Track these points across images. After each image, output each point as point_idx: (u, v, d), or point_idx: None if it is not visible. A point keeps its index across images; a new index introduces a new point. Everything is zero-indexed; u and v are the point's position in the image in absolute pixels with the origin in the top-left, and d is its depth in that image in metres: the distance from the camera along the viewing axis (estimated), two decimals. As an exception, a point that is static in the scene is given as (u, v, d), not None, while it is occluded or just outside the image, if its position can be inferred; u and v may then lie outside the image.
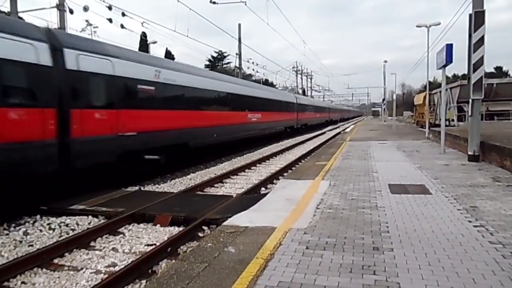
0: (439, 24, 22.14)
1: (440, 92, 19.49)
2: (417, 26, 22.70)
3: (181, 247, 5.68)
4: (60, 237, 6.30)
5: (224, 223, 5.23)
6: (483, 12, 9.85)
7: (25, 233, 6.40)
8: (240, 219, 5.33)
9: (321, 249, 4.08)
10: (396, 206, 5.82)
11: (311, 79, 73.27)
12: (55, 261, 5.29)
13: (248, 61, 37.50)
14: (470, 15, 9.99)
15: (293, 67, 62.84)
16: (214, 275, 3.52)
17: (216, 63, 64.09)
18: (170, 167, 12.94)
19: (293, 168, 12.33)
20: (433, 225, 4.80)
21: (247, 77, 44.64)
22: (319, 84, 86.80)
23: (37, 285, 4.60)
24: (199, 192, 9.54)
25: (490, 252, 3.87)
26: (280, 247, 4.19)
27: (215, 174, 12.30)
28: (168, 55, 49.51)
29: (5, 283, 4.61)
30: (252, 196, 8.39)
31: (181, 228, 6.46)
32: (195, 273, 3.59)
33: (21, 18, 12.52)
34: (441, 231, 4.56)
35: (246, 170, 13.28)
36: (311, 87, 74.23)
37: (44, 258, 5.19)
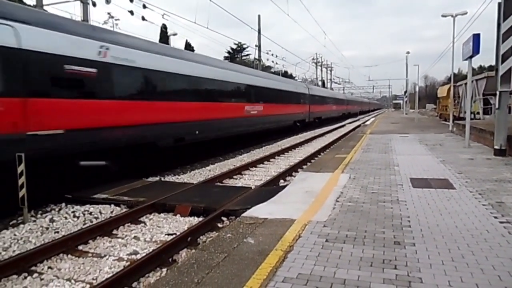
0: (466, 13, 21.37)
1: (466, 84, 18.92)
2: (443, 16, 21.99)
3: (201, 237, 5.75)
4: (84, 224, 6.49)
5: (243, 215, 5.26)
6: (514, 0, 9.45)
7: (51, 220, 6.62)
8: (259, 211, 5.34)
9: (341, 242, 4.06)
10: (418, 200, 5.71)
11: (331, 71, 72.37)
12: (80, 247, 5.46)
13: (267, 53, 37.34)
14: (499, 4, 9.61)
15: (313, 59, 62.18)
16: (234, 266, 3.55)
17: (235, 55, 64.03)
18: (190, 159, 13.09)
19: (312, 161, 12.25)
20: (457, 221, 4.68)
21: (266, 68, 44.40)
22: (339, 76, 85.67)
23: (63, 270, 4.76)
24: (218, 183, 9.61)
25: (517, 249, 3.75)
26: (300, 239, 4.18)
27: (234, 165, 12.36)
28: (188, 46, 49.76)
29: (33, 268, 4.79)
30: (271, 188, 8.39)
31: (200, 219, 6.54)
32: (215, 263, 3.63)
33: (45, 11, 12.77)
34: (465, 227, 4.45)
35: (265, 162, 13.29)
36: (331, 79, 73.36)
37: (69, 245, 5.36)
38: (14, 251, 5.33)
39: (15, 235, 5.91)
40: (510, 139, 10.03)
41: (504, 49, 9.54)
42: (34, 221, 6.60)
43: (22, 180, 6.47)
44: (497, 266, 3.39)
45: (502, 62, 9.59)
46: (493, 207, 5.26)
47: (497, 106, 10.36)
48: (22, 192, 6.48)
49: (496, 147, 10.13)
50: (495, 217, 4.78)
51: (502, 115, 10.04)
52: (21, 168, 6.46)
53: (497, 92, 10.11)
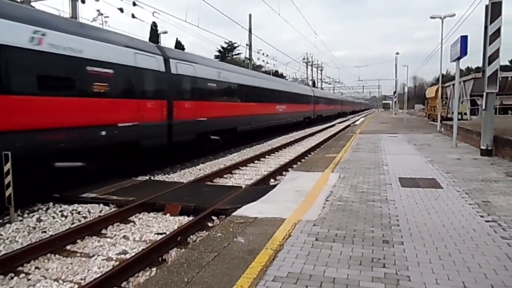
0: (454, 15, 21.75)
1: (453, 85, 19.18)
2: (431, 18, 22.32)
3: (191, 236, 5.73)
4: (72, 224, 6.41)
5: (234, 214, 5.26)
6: (500, 3, 9.61)
7: (39, 220, 6.52)
8: (249, 210, 5.35)
9: (331, 241, 4.08)
10: (406, 199, 5.78)
11: (321, 70, 72.70)
12: (68, 247, 5.39)
13: (258, 52, 37.25)
14: (487, 6, 9.77)
15: (304, 59, 62.41)
16: (224, 265, 3.55)
17: (226, 53, 63.90)
18: (180, 158, 13.00)
19: (303, 160, 12.30)
20: (444, 220, 4.76)
21: (257, 68, 44.35)
22: (330, 76, 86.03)
23: (50, 270, 4.70)
24: (209, 183, 9.58)
25: (502, 248, 3.82)
26: (290, 238, 4.20)
27: (224, 165, 12.34)
28: (178, 45, 49.49)
29: (20, 268, 4.72)
30: (262, 187, 8.40)
31: (190, 218, 6.52)
32: (205, 262, 3.62)
33: (33, 7, 12.57)
34: (452, 226, 4.52)
35: (255, 161, 13.30)
36: (321, 79, 73.71)
37: (57, 245, 5.29)
38: (0, 251, 5.24)
39: (1, 235, 5.82)
40: (496, 140, 10.21)
41: (491, 51, 9.70)
42: (21, 220, 6.50)
43: (8, 178, 6.37)
44: (483, 264, 3.46)
45: (489, 64, 9.75)
46: (480, 206, 5.35)
47: (484, 107, 10.53)
48: (9, 191, 6.37)
49: (482, 147, 10.31)
50: (481, 216, 4.87)
51: (488, 115, 10.21)
52: (7, 166, 6.36)
53: (484, 93, 10.28)
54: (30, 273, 4.63)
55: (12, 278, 4.48)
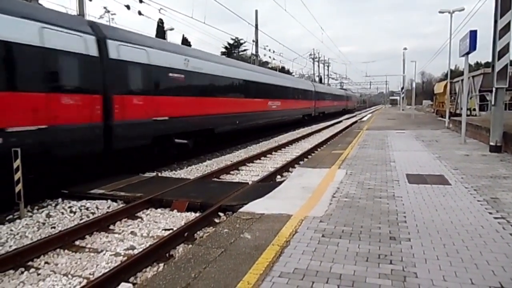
0: (463, 9, 21.46)
1: (462, 80, 18.99)
2: (440, 12, 22.05)
3: (198, 232, 5.77)
4: (81, 220, 6.49)
5: (240, 210, 5.28)
6: (511, -3, 9.46)
7: (48, 216, 6.61)
8: (256, 206, 5.36)
9: (337, 238, 4.08)
10: (414, 196, 5.74)
11: (328, 66, 72.26)
12: (77, 243, 5.47)
13: (264, 48, 37.12)
14: (496, 0, 9.62)
15: (310, 55, 62.11)
16: (231, 260, 3.56)
17: (232, 50, 63.81)
18: (187, 154, 13.06)
19: (309, 157, 12.28)
20: (452, 216, 4.72)
21: (264, 64, 44.22)
22: (337, 72, 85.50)
23: (60, 265, 4.77)
24: (215, 179, 9.62)
25: (511, 245, 3.78)
26: (296, 234, 4.20)
27: (231, 161, 12.37)
28: (185, 41, 49.56)
29: (30, 263, 4.80)
30: (268, 183, 8.41)
31: (197, 214, 6.55)
32: (212, 258, 3.64)
33: (40, 5, 12.66)
34: (460, 222, 4.48)
35: (262, 158, 13.31)
36: (328, 75, 73.29)
37: (66, 240, 5.37)
38: (10, 246, 5.33)
39: (11, 230, 5.91)
40: (506, 136, 10.08)
41: (501, 46, 9.57)
42: (31, 216, 6.59)
43: (18, 175, 6.45)
44: (491, 261, 3.43)
45: (499, 59, 9.62)
46: (488, 203, 5.30)
47: (493, 103, 10.40)
48: (19, 187, 6.46)
49: (491, 143, 10.19)
50: (490, 213, 4.82)
51: (498, 111, 10.09)
52: (17, 163, 6.44)
53: (493, 89, 10.15)
54: (40, 267, 4.70)
55: (22, 272, 4.56)
